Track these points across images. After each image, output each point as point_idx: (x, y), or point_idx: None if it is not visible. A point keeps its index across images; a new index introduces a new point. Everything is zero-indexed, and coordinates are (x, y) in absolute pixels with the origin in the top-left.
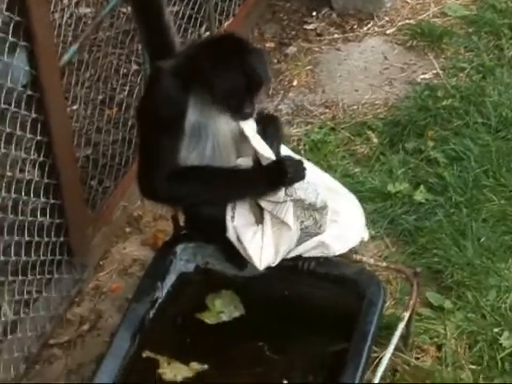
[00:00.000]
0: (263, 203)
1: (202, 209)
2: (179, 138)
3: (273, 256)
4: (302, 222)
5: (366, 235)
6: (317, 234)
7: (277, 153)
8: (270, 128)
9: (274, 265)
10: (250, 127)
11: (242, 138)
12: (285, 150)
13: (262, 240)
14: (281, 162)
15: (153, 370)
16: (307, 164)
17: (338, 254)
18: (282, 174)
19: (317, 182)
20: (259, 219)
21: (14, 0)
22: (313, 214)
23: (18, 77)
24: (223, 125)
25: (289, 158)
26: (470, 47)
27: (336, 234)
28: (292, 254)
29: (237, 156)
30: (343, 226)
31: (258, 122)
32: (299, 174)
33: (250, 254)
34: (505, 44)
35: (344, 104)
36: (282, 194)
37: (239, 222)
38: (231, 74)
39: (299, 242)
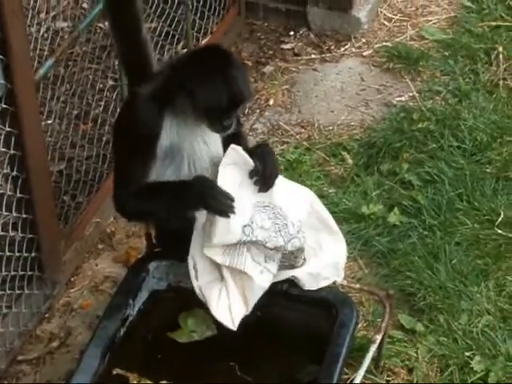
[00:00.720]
0: (218, 259)
1: (171, 225)
2: (150, 160)
3: (243, 309)
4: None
5: (340, 278)
6: (292, 265)
7: (272, 184)
8: (267, 161)
9: (247, 313)
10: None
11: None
12: (285, 182)
13: (228, 298)
14: (209, 186)
15: None
16: (305, 191)
17: (306, 289)
18: (202, 194)
19: (302, 219)
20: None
21: None
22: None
23: None
24: (200, 146)
25: (224, 192)
26: (446, 71)
27: (310, 271)
28: None
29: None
30: (321, 263)
31: (251, 153)
32: (218, 207)
33: (220, 317)
34: (480, 68)
35: (320, 124)
36: (238, 231)
37: (203, 280)
38: (215, 86)
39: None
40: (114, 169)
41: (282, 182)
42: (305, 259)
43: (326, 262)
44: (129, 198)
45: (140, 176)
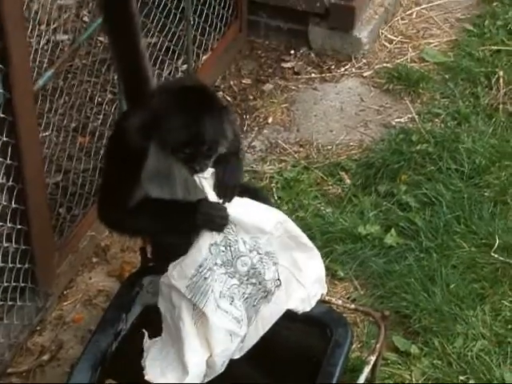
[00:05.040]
0: (182, 289)
1: (166, 240)
2: (136, 183)
3: (205, 354)
4: (243, 293)
5: (325, 290)
6: (265, 292)
7: (230, 195)
8: (226, 169)
9: (214, 358)
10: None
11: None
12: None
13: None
14: (196, 202)
15: None
16: (272, 212)
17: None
18: (193, 215)
19: (262, 241)
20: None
21: None
22: (251, 280)
23: None
24: None
25: (213, 204)
26: (446, 93)
27: (301, 297)
28: (253, 334)
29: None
30: (307, 283)
31: (219, 160)
32: (210, 223)
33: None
34: (480, 92)
35: (318, 143)
36: (206, 249)
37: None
38: (174, 125)
39: (250, 313)
40: (101, 186)
41: (246, 202)
42: (279, 280)
43: (310, 280)
44: (113, 215)
45: (124, 198)
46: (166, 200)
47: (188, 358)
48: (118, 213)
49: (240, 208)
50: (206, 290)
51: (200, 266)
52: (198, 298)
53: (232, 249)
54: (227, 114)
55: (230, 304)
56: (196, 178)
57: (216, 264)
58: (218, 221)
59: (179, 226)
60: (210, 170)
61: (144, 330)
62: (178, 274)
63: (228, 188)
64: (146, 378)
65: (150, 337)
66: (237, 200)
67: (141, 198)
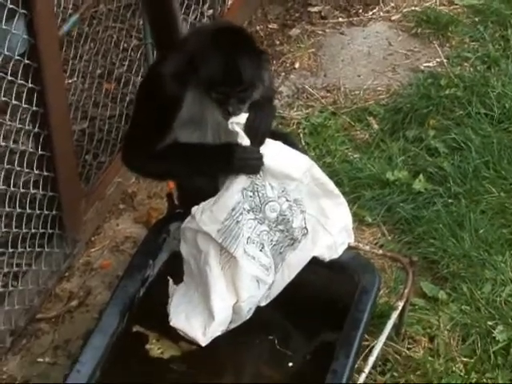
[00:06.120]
0: (213, 234)
1: (192, 184)
2: (168, 128)
3: (232, 300)
4: (271, 240)
5: (352, 239)
6: (292, 240)
7: (260, 139)
8: (257, 114)
9: (241, 303)
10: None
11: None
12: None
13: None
14: (230, 146)
15: (141, 346)
16: (301, 158)
17: (328, 260)
18: (228, 159)
19: (292, 187)
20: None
21: None
22: (279, 227)
23: (16, 45)
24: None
25: (248, 148)
26: (476, 37)
27: (327, 244)
28: (279, 279)
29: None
30: (334, 231)
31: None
32: (247, 167)
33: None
34: (511, 35)
35: (346, 89)
36: (239, 194)
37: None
38: (213, 64)
39: (277, 260)
40: (128, 131)
41: (276, 147)
42: (306, 228)
43: (336, 228)
44: (141, 159)
45: (156, 140)
46: (197, 143)
47: (214, 303)
48: (144, 156)
49: (269, 153)
50: (237, 233)
51: (233, 210)
52: (229, 242)
53: (260, 194)
54: (265, 60)
55: (260, 251)
56: (230, 124)
57: (244, 209)
58: (253, 163)
59: (211, 168)
60: (245, 116)
61: (169, 277)
62: (209, 218)
63: (258, 132)
64: (171, 323)
65: (176, 283)
66: (268, 143)
67: (169, 142)
